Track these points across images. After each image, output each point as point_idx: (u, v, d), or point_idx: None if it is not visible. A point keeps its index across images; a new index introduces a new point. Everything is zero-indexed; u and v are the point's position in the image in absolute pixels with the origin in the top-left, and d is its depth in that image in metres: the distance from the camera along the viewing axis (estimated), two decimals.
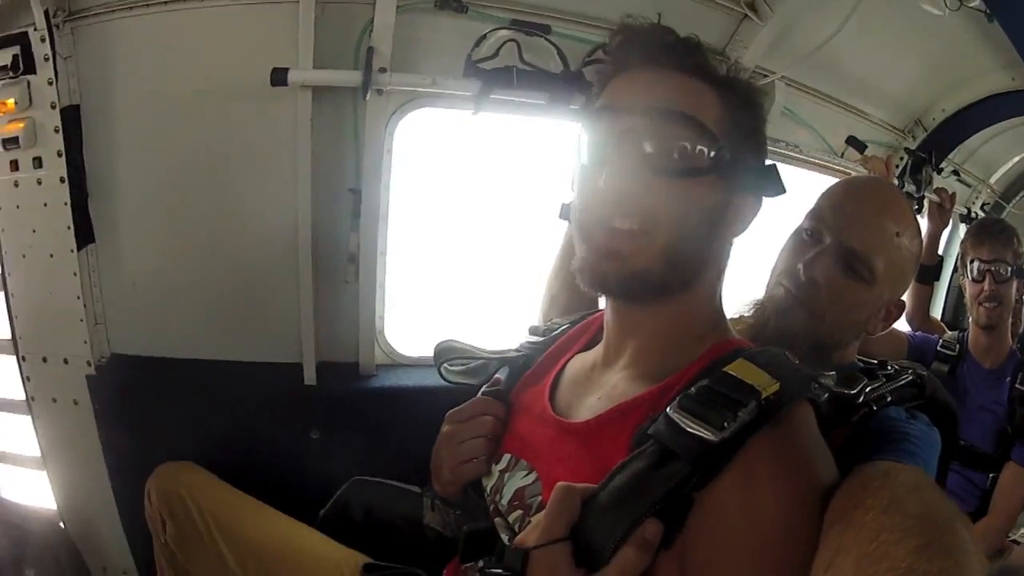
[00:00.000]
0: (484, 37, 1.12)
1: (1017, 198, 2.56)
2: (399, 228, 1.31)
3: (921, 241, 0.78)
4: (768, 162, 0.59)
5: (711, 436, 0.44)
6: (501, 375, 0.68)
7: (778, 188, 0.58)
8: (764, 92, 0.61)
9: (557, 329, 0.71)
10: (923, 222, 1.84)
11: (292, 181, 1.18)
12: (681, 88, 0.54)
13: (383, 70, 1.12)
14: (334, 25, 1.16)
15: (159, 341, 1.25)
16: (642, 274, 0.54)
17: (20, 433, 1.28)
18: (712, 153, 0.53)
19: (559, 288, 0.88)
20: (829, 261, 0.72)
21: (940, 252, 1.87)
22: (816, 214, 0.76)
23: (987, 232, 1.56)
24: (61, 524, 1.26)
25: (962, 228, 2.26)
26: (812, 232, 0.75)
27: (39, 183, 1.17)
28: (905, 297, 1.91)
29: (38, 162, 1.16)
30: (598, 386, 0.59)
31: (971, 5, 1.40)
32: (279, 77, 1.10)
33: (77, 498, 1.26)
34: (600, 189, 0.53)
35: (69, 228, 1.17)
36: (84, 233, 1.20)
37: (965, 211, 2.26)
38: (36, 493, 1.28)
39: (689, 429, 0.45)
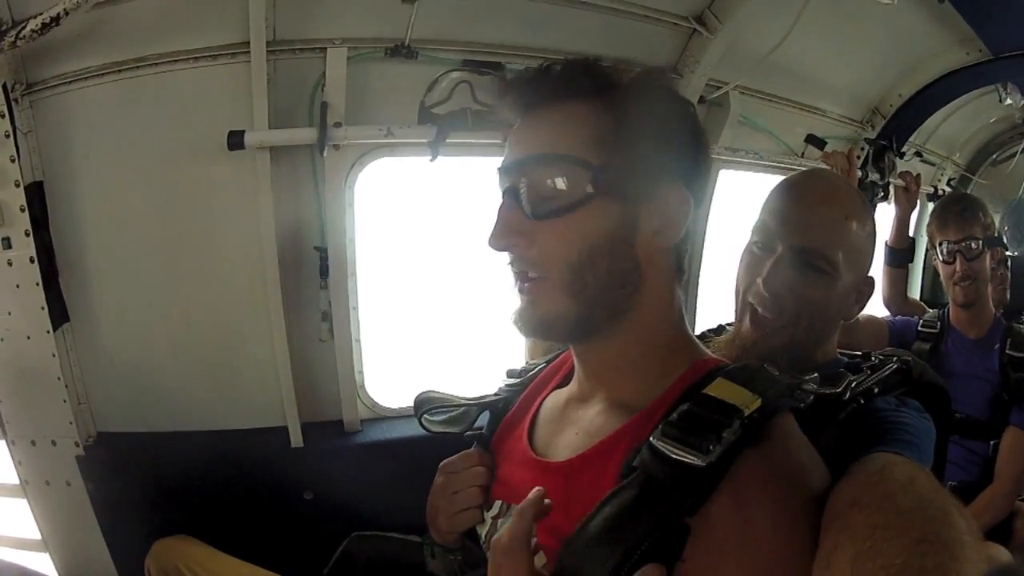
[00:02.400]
0: (436, 81, 1.13)
1: (983, 168, 2.60)
2: (369, 280, 1.31)
3: (873, 217, 0.77)
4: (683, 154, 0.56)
5: (697, 461, 0.44)
6: (482, 421, 0.69)
7: (703, 173, 0.57)
8: (660, 77, 0.61)
9: (533, 370, 0.72)
10: (891, 208, 1.87)
11: (258, 242, 1.18)
12: (545, 126, 0.54)
13: (338, 124, 1.13)
14: (287, 80, 1.16)
15: (144, 416, 1.25)
16: (559, 317, 0.54)
17: (19, 517, 1.27)
18: (590, 180, 0.52)
19: (533, 344, 0.89)
20: (785, 268, 0.71)
21: (911, 234, 1.89)
22: (760, 225, 0.75)
23: (951, 212, 1.56)
24: None
25: (931, 207, 2.30)
26: (761, 244, 0.75)
27: (9, 264, 1.15)
28: (879, 282, 1.93)
29: (7, 242, 1.15)
30: (574, 421, 0.60)
31: None
32: (236, 140, 1.10)
33: None
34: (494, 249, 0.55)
35: (43, 308, 1.16)
36: (58, 312, 1.19)
37: (932, 190, 2.29)
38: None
39: (674, 456, 0.45)
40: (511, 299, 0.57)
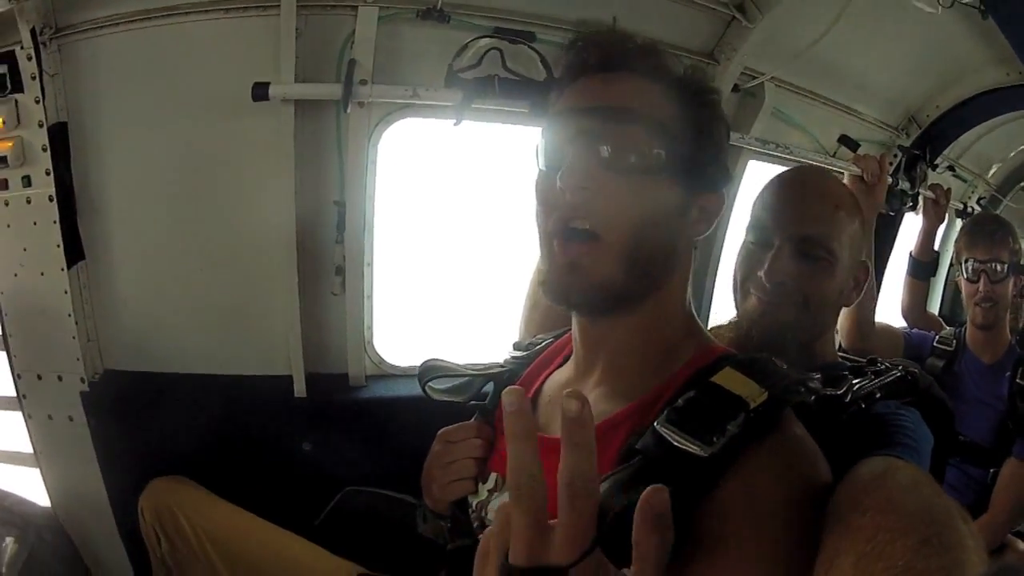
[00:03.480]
0: (465, 47, 1.12)
1: (1013, 191, 2.54)
2: (385, 238, 1.31)
3: (860, 208, 0.80)
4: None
5: (700, 451, 0.44)
6: (487, 391, 0.68)
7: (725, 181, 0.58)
8: (716, 90, 0.63)
9: (540, 344, 0.71)
10: (918, 219, 1.83)
11: (277, 194, 1.18)
12: (635, 88, 0.55)
13: (364, 82, 1.11)
14: (316, 36, 1.15)
15: (151, 356, 1.26)
16: (604, 285, 0.53)
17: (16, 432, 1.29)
18: (668, 153, 0.53)
19: (541, 296, 0.88)
20: (786, 259, 0.73)
21: (936, 248, 1.85)
22: (755, 223, 0.77)
23: (982, 231, 1.54)
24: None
25: (958, 223, 2.25)
26: (758, 241, 0.76)
27: (28, 202, 1.17)
28: (901, 293, 1.90)
29: (27, 181, 1.17)
30: None
31: (964, 1, 1.38)
32: (260, 92, 1.10)
33: (76, 511, 1.27)
34: (556, 190, 0.53)
35: (59, 246, 1.18)
36: (74, 251, 1.20)
37: (961, 206, 2.24)
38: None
39: (678, 444, 0.45)
40: (541, 263, 0.56)
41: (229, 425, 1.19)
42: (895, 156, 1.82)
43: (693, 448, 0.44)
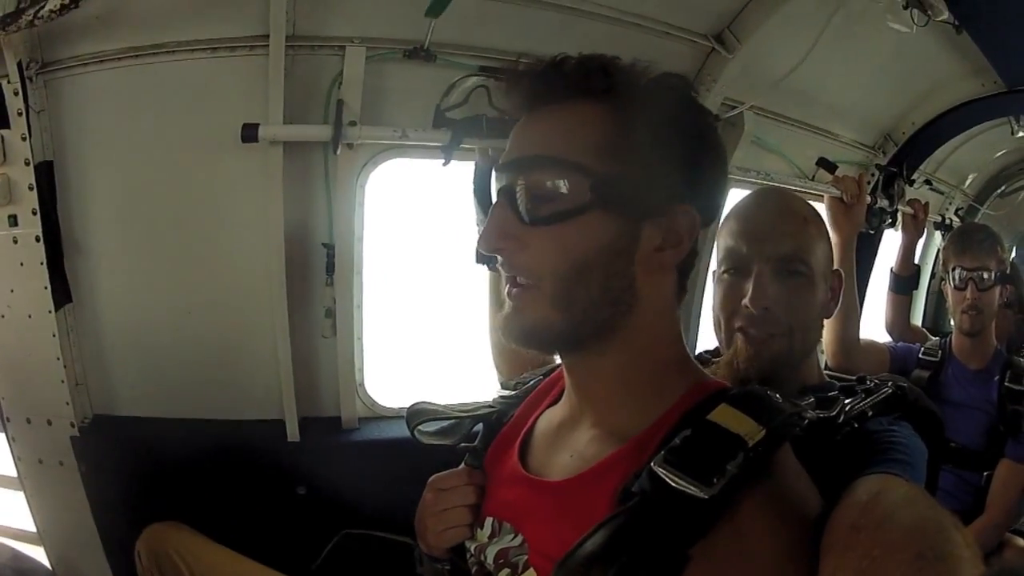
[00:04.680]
0: (453, 85, 1.13)
1: (991, 199, 2.61)
2: (374, 280, 1.31)
3: (819, 215, 0.80)
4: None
5: (700, 493, 0.43)
6: (477, 431, 0.68)
7: (718, 189, 0.55)
8: (680, 84, 0.56)
9: (529, 382, 0.71)
10: (898, 235, 1.88)
11: (266, 236, 1.18)
12: (548, 126, 0.52)
13: (353, 123, 1.12)
14: (303, 76, 1.16)
15: (141, 401, 1.25)
16: (538, 327, 0.52)
17: (15, 508, 1.28)
18: (589, 188, 0.50)
19: (499, 337, 0.88)
20: (767, 281, 0.73)
21: (916, 261, 1.90)
22: (728, 253, 0.77)
23: (970, 240, 1.56)
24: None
25: (937, 235, 2.30)
26: (734, 270, 0.76)
27: (15, 242, 1.16)
28: (884, 309, 1.92)
29: (13, 220, 1.15)
30: (568, 444, 0.59)
31: (939, 19, 1.42)
32: (250, 133, 1.10)
33: (70, 557, 1.25)
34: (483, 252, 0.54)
35: (46, 288, 1.16)
36: (61, 293, 1.19)
37: (939, 218, 2.29)
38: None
39: (676, 485, 0.44)
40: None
41: (223, 470, 1.18)
42: (873, 175, 1.87)
43: (693, 490, 0.43)
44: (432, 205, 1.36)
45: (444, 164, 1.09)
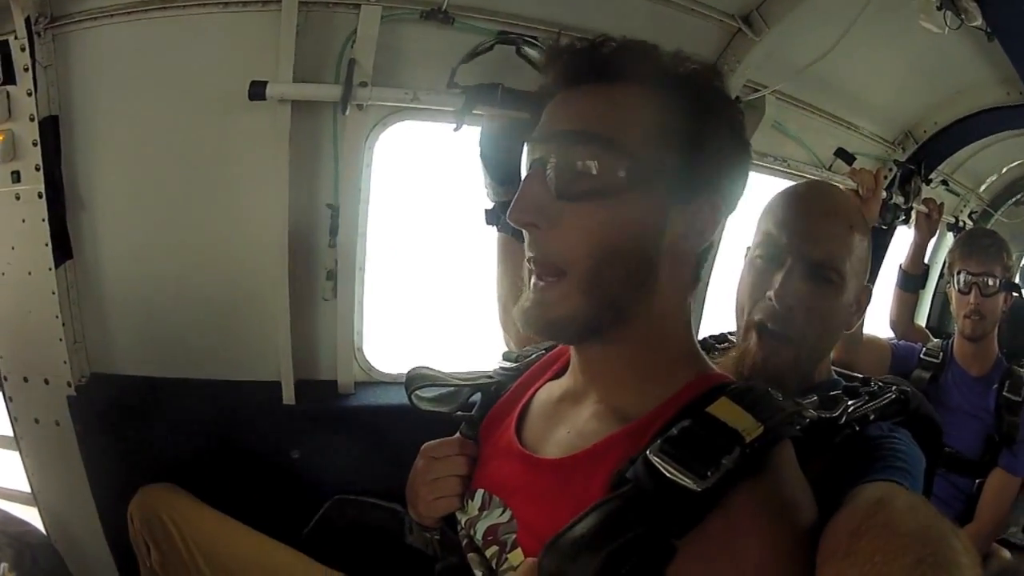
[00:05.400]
0: (475, 50, 1.09)
1: (1005, 207, 2.58)
2: (378, 243, 1.29)
3: (865, 222, 0.78)
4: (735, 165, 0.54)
5: (693, 485, 0.43)
6: (474, 401, 0.68)
7: (741, 186, 0.55)
8: (715, 79, 0.56)
9: (530, 355, 0.70)
10: (910, 232, 1.85)
11: (270, 195, 1.16)
12: (590, 103, 0.52)
13: (364, 84, 1.09)
14: (316, 34, 1.12)
15: (139, 360, 1.24)
16: (565, 321, 0.52)
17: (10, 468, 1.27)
18: (626, 169, 0.50)
19: (507, 298, 0.87)
20: (797, 281, 0.71)
21: (926, 261, 1.88)
22: (766, 237, 0.74)
23: (977, 244, 1.55)
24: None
25: (949, 236, 2.28)
26: (768, 257, 0.74)
27: (17, 198, 1.14)
28: (890, 305, 1.91)
29: (16, 176, 1.13)
30: (566, 419, 0.58)
31: (972, 24, 1.39)
32: (257, 91, 1.07)
33: (63, 518, 1.25)
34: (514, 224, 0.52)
35: (47, 245, 1.14)
36: (62, 250, 1.17)
37: (953, 220, 2.27)
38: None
39: (669, 475, 0.44)
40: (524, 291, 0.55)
41: (218, 432, 1.17)
42: (890, 170, 1.84)
43: (686, 482, 0.43)
44: (441, 169, 1.33)
45: (455, 130, 1.06)
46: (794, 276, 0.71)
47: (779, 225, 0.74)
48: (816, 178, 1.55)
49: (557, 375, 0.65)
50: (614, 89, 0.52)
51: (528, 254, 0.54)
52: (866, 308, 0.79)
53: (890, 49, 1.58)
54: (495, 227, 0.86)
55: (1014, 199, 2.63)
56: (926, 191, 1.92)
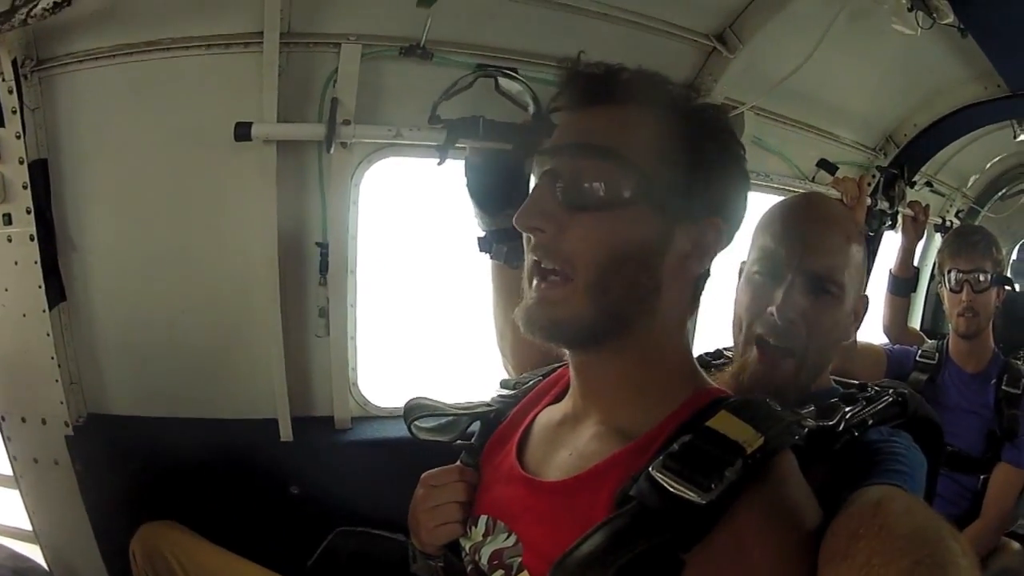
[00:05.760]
0: (454, 85, 1.12)
1: (991, 202, 2.60)
2: (368, 279, 1.31)
3: (860, 231, 0.79)
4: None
5: (697, 499, 0.44)
6: (473, 430, 0.68)
7: (741, 215, 0.57)
8: (722, 114, 0.62)
9: (528, 382, 0.71)
10: (897, 237, 1.87)
11: (259, 234, 1.17)
12: (609, 121, 0.54)
13: (347, 122, 1.11)
14: (298, 73, 1.15)
15: (135, 400, 1.25)
16: (568, 321, 0.53)
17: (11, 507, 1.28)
18: (635, 183, 0.52)
19: (503, 324, 0.88)
20: (798, 295, 0.71)
21: (915, 264, 1.89)
22: (763, 251, 0.75)
23: (965, 242, 1.56)
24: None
25: (937, 237, 2.29)
26: (766, 272, 0.74)
27: (9, 240, 1.15)
28: (881, 310, 1.91)
29: (7, 219, 1.14)
30: (568, 442, 0.59)
31: (944, 22, 1.41)
32: (243, 132, 1.09)
33: (65, 555, 1.25)
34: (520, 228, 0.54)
35: (40, 287, 1.16)
36: (55, 291, 1.19)
37: (940, 220, 2.29)
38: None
39: (673, 490, 0.45)
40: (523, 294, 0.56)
41: (217, 469, 1.18)
42: (873, 177, 1.86)
43: (691, 496, 0.44)
44: (427, 204, 1.35)
45: (439, 164, 1.08)
46: (795, 290, 0.71)
47: (777, 239, 0.74)
48: (809, 190, 1.56)
49: (556, 399, 0.66)
50: (626, 110, 0.54)
51: (531, 257, 0.55)
52: (863, 317, 0.80)
53: (864, 56, 1.60)
54: (488, 255, 0.88)
55: (1000, 194, 2.65)
56: (911, 194, 1.93)
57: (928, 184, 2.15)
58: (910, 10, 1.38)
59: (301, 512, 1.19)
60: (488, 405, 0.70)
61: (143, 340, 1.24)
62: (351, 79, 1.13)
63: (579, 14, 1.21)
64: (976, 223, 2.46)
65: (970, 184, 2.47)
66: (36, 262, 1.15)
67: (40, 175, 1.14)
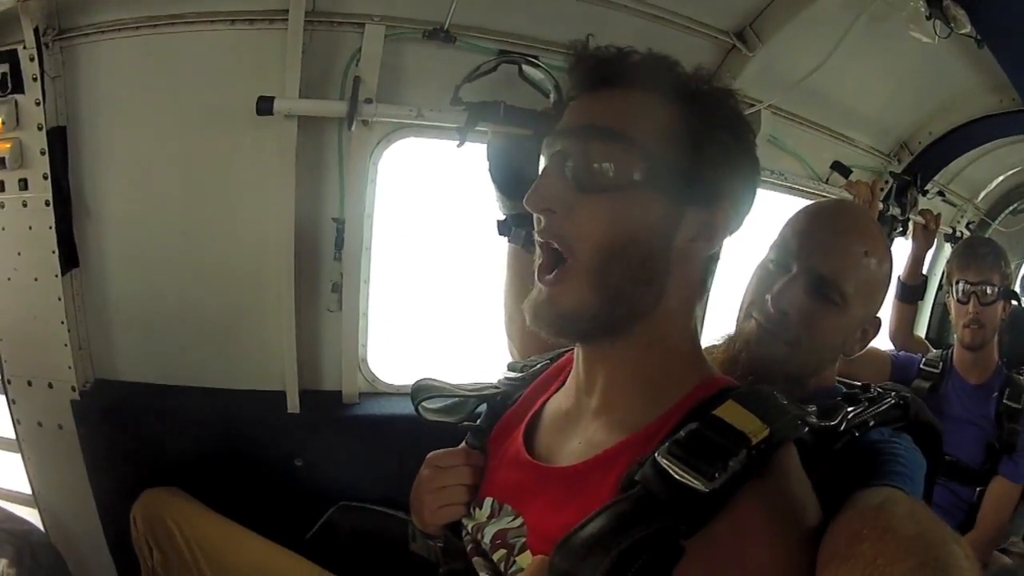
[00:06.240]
0: (477, 69, 1.12)
1: (1002, 216, 2.59)
2: (383, 256, 1.31)
3: (891, 257, 0.77)
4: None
5: (701, 487, 0.44)
6: (480, 412, 0.68)
7: (749, 201, 0.57)
8: (732, 99, 0.59)
9: (536, 366, 0.71)
10: (907, 243, 1.86)
11: (276, 208, 1.18)
12: (620, 104, 0.54)
13: (369, 101, 1.12)
14: (321, 52, 1.16)
15: (143, 367, 1.26)
16: (573, 313, 0.53)
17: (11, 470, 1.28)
18: (644, 166, 0.52)
19: (513, 308, 0.88)
20: (797, 290, 0.71)
21: (924, 272, 1.89)
22: (781, 244, 0.75)
23: (974, 253, 1.56)
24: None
25: (947, 247, 2.29)
26: (778, 262, 0.74)
27: (24, 205, 1.16)
28: (888, 316, 1.92)
29: (24, 184, 1.16)
30: (578, 431, 0.59)
31: (961, 32, 1.41)
32: (265, 106, 1.10)
33: (64, 519, 1.26)
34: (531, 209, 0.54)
35: (54, 252, 1.17)
36: (68, 257, 1.20)
37: (950, 230, 2.28)
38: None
39: (678, 477, 0.45)
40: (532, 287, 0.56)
41: (222, 438, 1.18)
42: (886, 182, 1.86)
43: (695, 483, 0.44)
44: (444, 185, 1.35)
45: (459, 146, 1.08)
46: (794, 284, 0.72)
47: (795, 234, 0.75)
48: (852, 202, 1.55)
49: (565, 384, 0.65)
50: (635, 93, 0.54)
51: (538, 240, 0.55)
52: (871, 339, 0.78)
53: (882, 61, 1.60)
54: (506, 238, 0.88)
55: (1011, 208, 2.64)
56: (922, 202, 1.93)
57: (940, 193, 2.15)
58: (928, 18, 1.38)
59: (304, 485, 1.20)
60: (495, 387, 0.70)
61: (154, 308, 1.24)
62: (374, 59, 1.13)
63: (600, 5, 1.22)
64: (986, 235, 2.45)
65: (982, 196, 2.46)
66: (51, 227, 1.16)
67: (58, 142, 1.16)
